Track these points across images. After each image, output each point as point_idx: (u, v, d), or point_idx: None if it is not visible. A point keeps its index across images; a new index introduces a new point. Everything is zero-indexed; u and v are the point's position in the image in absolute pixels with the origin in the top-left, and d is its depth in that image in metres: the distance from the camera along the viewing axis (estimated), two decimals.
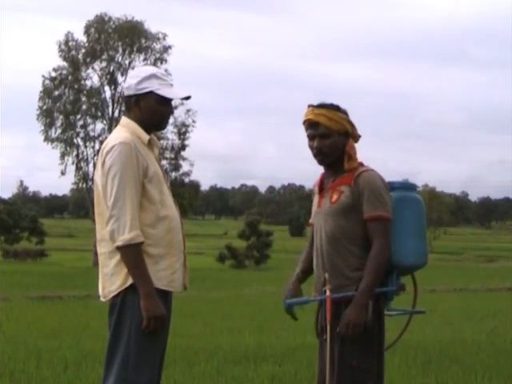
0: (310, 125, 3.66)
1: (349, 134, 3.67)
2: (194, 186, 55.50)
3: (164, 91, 3.57)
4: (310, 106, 3.70)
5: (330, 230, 3.64)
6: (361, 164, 3.69)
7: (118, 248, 3.40)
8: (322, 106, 3.66)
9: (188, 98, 3.70)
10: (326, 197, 3.69)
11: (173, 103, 3.70)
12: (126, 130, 3.56)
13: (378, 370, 3.61)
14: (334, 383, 3.58)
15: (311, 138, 3.68)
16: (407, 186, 3.73)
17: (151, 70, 3.64)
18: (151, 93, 3.55)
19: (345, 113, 3.70)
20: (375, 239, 3.55)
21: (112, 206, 3.41)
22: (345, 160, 3.65)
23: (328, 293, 3.57)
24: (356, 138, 3.72)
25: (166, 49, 50.99)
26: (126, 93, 3.60)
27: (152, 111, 3.58)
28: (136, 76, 3.58)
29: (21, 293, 20.24)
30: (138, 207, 3.44)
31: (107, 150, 3.48)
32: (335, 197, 3.63)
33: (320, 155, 3.67)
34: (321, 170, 3.81)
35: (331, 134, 3.62)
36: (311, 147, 3.69)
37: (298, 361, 7.36)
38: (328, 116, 3.61)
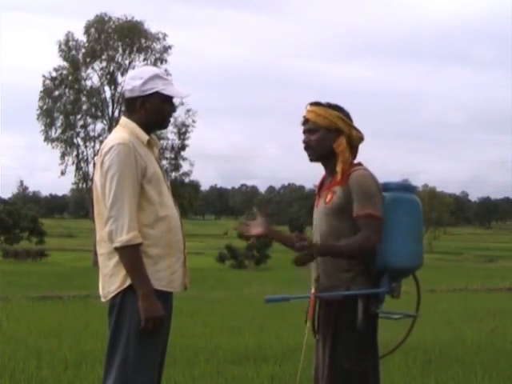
0: (303, 122, 3.74)
1: (340, 132, 3.65)
2: (194, 186, 55.54)
3: (169, 90, 3.57)
4: (307, 104, 3.75)
5: (323, 231, 3.65)
6: (359, 164, 3.67)
7: (116, 249, 3.40)
8: (315, 103, 3.71)
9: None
10: (322, 197, 3.71)
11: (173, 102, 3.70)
12: (124, 131, 3.55)
13: (373, 374, 3.56)
14: None
15: (303, 133, 3.74)
16: (403, 187, 3.66)
17: (153, 70, 3.64)
18: (156, 93, 3.54)
19: (346, 114, 3.69)
20: (363, 230, 3.50)
21: (110, 207, 3.41)
22: (338, 160, 3.64)
23: (313, 290, 3.60)
24: (354, 138, 3.69)
25: (166, 49, 51.08)
26: (130, 95, 3.56)
27: (157, 111, 3.57)
28: (139, 77, 3.55)
29: (21, 293, 20.21)
30: (137, 208, 3.43)
31: (106, 150, 3.48)
32: (329, 197, 3.64)
33: (307, 149, 3.72)
34: (321, 170, 3.81)
35: (318, 130, 3.66)
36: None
37: (298, 361, 7.30)
38: (317, 112, 3.66)
